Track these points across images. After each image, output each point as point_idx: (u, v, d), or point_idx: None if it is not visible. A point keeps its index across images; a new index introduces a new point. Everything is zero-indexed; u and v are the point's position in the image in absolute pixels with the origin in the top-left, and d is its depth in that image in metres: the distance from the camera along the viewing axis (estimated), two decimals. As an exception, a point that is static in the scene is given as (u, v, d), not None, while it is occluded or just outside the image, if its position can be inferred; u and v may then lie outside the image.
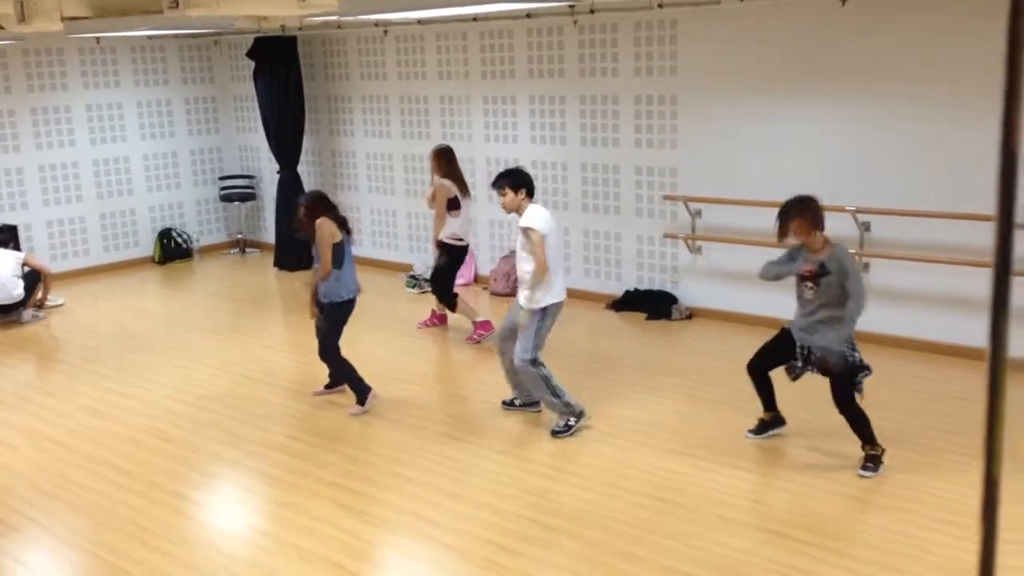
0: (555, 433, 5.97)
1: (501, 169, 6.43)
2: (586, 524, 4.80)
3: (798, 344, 5.37)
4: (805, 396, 6.03)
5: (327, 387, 6.78)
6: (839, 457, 5.45)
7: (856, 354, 5.21)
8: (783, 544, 4.55)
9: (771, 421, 5.76)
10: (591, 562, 4.44)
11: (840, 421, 5.54)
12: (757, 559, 4.41)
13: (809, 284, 5.24)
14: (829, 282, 5.16)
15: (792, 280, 5.41)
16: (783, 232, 5.23)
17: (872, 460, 5.28)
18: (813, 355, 5.29)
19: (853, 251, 7.35)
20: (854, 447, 5.59)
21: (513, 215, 6.13)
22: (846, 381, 5.19)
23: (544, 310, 5.93)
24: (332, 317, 6.38)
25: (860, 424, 5.26)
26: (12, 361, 8.12)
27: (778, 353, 5.51)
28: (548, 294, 5.91)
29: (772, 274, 5.46)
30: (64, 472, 5.70)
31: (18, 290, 8.95)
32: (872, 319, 7.44)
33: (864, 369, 5.22)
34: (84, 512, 5.17)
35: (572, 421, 5.99)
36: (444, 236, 7.92)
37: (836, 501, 4.97)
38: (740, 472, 5.38)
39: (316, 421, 6.38)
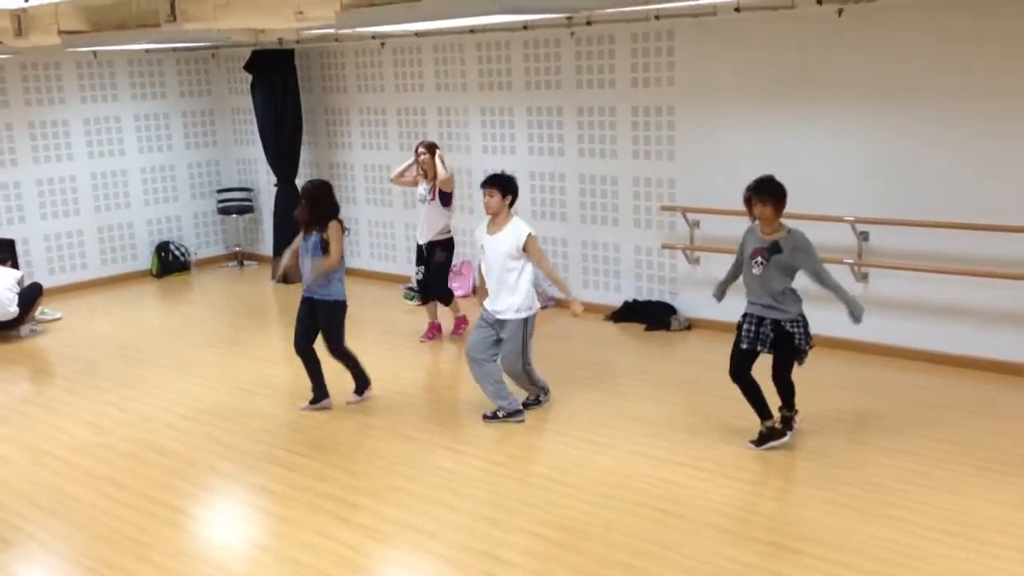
0: (488, 418, 6.44)
1: None
2: (585, 536, 4.79)
3: (752, 318, 5.65)
4: (801, 406, 6.03)
5: (312, 403, 6.77)
6: (837, 468, 5.44)
7: (805, 336, 5.63)
8: (782, 555, 4.53)
9: (769, 432, 5.74)
10: (590, 574, 4.42)
11: (841, 430, 5.52)
12: (756, 570, 4.39)
13: (759, 260, 5.57)
14: (779, 260, 5.52)
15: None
16: (754, 208, 5.61)
17: (789, 422, 5.79)
18: (765, 329, 5.59)
19: (851, 261, 7.39)
20: (852, 457, 5.60)
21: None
22: (791, 356, 5.62)
23: (530, 319, 6.33)
24: (340, 315, 6.56)
25: (790, 392, 5.75)
26: (10, 376, 8.10)
27: (748, 352, 5.72)
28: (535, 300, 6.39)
29: (727, 285, 6.03)
30: (61, 486, 5.68)
31: (13, 307, 8.92)
32: (870, 329, 7.45)
33: (809, 345, 5.65)
34: (81, 527, 5.15)
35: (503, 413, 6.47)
36: (441, 232, 8.11)
37: (834, 511, 4.95)
38: (739, 483, 5.36)
39: (315, 434, 6.36)
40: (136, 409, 6.97)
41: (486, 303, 6.39)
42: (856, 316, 5.57)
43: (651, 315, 8.57)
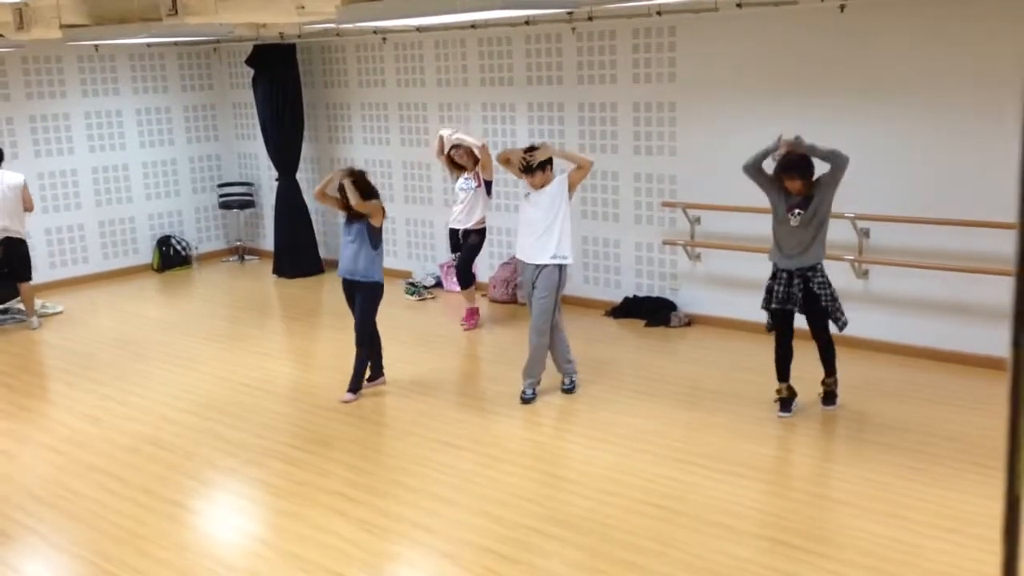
0: (567, 390, 6.70)
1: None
2: (585, 532, 4.79)
3: (782, 275, 5.85)
4: (803, 402, 6.03)
5: (369, 379, 6.97)
6: (835, 464, 5.45)
7: (833, 299, 5.90)
8: (782, 552, 4.53)
9: (790, 395, 6.03)
10: (589, 570, 4.43)
11: (840, 427, 5.51)
12: (756, 567, 4.40)
13: (797, 212, 5.84)
14: (814, 204, 5.81)
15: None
16: (784, 184, 5.88)
17: (834, 396, 6.13)
18: (795, 287, 5.79)
19: (851, 257, 7.39)
20: (851, 453, 5.60)
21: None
22: (824, 314, 5.87)
23: (564, 268, 6.46)
24: (379, 296, 6.82)
25: (833, 353, 6.03)
26: (10, 369, 8.10)
27: (780, 312, 5.96)
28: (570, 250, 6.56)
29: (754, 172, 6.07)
30: (61, 480, 5.69)
31: (22, 229, 9.07)
32: (871, 326, 7.46)
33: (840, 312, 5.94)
34: (81, 520, 5.16)
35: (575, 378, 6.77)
36: (481, 221, 8.43)
37: (833, 507, 4.95)
38: (739, 479, 5.37)
39: (315, 429, 6.37)
40: (136, 403, 6.98)
41: (521, 256, 6.58)
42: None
43: (651, 311, 8.56)
